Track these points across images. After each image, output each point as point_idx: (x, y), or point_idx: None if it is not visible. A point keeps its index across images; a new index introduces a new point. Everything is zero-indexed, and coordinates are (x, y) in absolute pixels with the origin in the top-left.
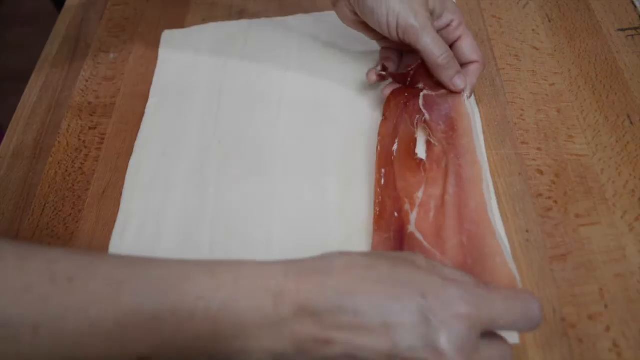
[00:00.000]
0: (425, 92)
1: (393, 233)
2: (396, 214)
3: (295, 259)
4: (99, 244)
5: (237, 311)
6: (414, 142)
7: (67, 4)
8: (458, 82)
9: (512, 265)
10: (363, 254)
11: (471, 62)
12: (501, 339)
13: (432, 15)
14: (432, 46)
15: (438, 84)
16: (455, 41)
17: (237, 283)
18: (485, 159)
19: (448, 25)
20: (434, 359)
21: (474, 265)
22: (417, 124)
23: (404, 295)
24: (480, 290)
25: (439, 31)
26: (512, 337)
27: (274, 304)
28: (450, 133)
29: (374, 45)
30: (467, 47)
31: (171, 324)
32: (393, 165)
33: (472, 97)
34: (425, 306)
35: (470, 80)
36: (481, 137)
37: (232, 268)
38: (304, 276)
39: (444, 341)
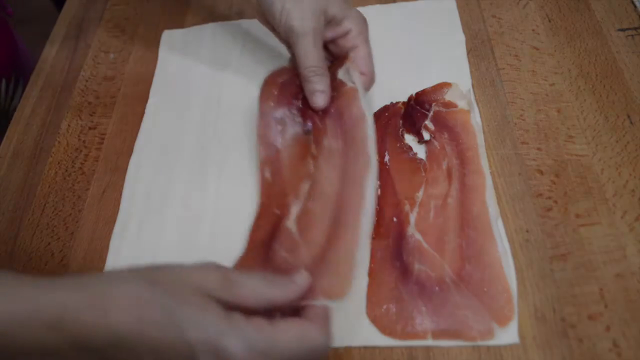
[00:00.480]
0: (435, 108)
1: (392, 239)
2: (395, 219)
3: (84, 281)
4: (99, 244)
5: (15, 341)
6: (406, 147)
7: (67, 4)
8: (315, 100)
9: (511, 276)
10: (149, 282)
11: (360, 74)
12: None
13: (331, 22)
14: (302, 55)
15: (450, 103)
16: (350, 50)
17: (14, 313)
18: (488, 168)
19: (346, 33)
20: None
21: (472, 272)
22: (402, 134)
23: (177, 339)
24: (261, 338)
25: (336, 39)
26: (512, 337)
27: (51, 336)
28: (455, 144)
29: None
30: (360, 57)
31: None
32: (389, 172)
33: (473, 98)
34: (198, 350)
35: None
36: (481, 137)
37: (14, 293)
38: (82, 310)
39: None
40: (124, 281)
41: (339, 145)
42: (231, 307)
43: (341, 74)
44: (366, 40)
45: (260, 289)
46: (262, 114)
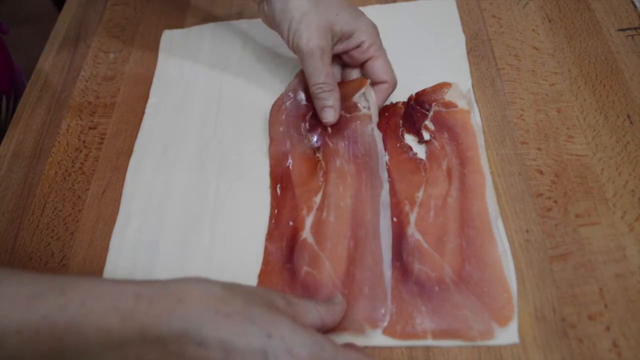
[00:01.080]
0: (435, 108)
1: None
2: (395, 219)
3: (151, 280)
4: (99, 244)
5: (82, 331)
6: (406, 147)
7: (67, 4)
8: (325, 115)
9: (511, 276)
10: (222, 285)
11: (381, 82)
12: None
13: (341, 37)
14: (311, 73)
15: (450, 103)
16: (366, 61)
17: (84, 303)
18: (488, 168)
19: (358, 46)
20: None
21: (472, 272)
22: (402, 134)
23: (249, 333)
24: (327, 346)
25: (348, 51)
26: (512, 337)
27: (121, 325)
28: (455, 144)
29: None
30: (378, 67)
31: (16, 342)
32: (389, 172)
33: (473, 98)
34: (269, 346)
35: (379, 98)
36: (481, 137)
37: (84, 286)
38: (155, 300)
39: None
40: (198, 281)
41: (352, 169)
42: None
43: (357, 97)
44: (380, 49)
45: (314, 310)
46: (272, 139)
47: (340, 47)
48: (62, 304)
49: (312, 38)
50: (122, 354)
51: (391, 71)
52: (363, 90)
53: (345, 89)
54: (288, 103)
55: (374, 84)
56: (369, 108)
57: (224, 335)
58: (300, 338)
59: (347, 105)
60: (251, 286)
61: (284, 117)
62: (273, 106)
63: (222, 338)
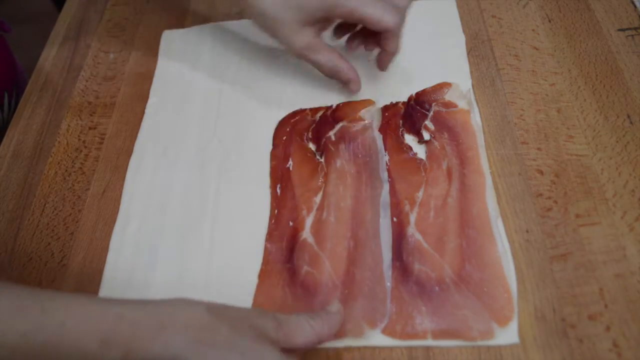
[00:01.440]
0: (435, 108)
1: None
2: (395, 219)
3: (136, 301)
4: (99, 244)
5: (59, 352)
6: (406, 147)
7: (67, 4)
8: (351, 88)
9: (511, 276)
10: (208, 309)
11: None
12: None
13: (325, 21)
14: (317, 67)
15: (450, 103)
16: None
17: (64, 323)
18: (488, 168)
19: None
20: None
21: (472, 272)
22: (402, 134)
23: None
24: None
25: (341, 24)
26: (512, 337)
27: (98, 348)
28: (454, 144)
29: None
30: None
31: None
32: (389, 172)
33: (473, 98)
34: None
35: (390, 47)
36: (481, 137)
37: (66, 305)
38: (138, 323)
39: None
40: (184, 304)
41: (352, 169)
42: (285, 351)
43: (362, 113)
44: (365, 5)
45: (307, 326)
46: (275, 145)
47: (330, 20)
48: (41, 323)
49: (296, 40)
50: None
51: (390, 13)
52: (371, 107)
53: (353, 106)
54: (294, 120)
55: (379, 34)
56: (371, 118)
57: None
58: None
59: (352, 119)
60: (241, 309)
61: (288, 129)
62: (281, 120)
63: None
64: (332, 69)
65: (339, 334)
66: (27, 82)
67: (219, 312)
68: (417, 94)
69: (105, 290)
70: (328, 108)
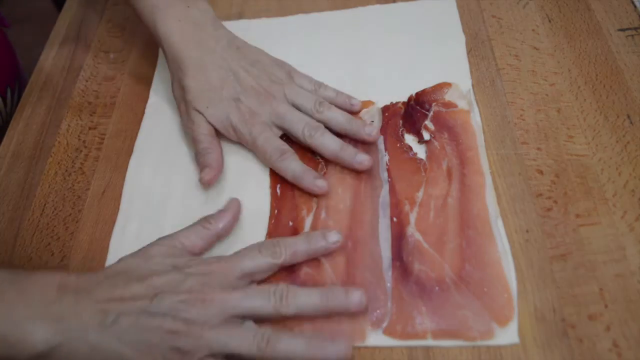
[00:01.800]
0: (435, 108)
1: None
2: (395, 219)
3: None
4: (99, 244)
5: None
6: (406, 147)
7: (67, 4)
8: (202, 175)
9: (511, 276)
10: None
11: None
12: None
13: None
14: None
15: (450, 103)
16: None
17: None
18: (488, 168)
19: None
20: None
21: (472, 272)
22: (402, 134)
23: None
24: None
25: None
26: (511, 337)
27: (58, 295)
28: (454, 144)
29: (371, 45)
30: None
31: None
32: (389, 172)
33: (473, 98)
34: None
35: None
36: (481, 137)
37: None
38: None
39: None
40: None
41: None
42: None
43: (363, 114)
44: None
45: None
46: None
47: None
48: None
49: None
50: (56, 317)
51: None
52: (369, 109)
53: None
54: None
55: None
56: (372, 121)
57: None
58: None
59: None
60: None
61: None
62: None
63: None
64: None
65: (341, 329)
66: (28, 79)
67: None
68: (417, 94)
69: None
70: None
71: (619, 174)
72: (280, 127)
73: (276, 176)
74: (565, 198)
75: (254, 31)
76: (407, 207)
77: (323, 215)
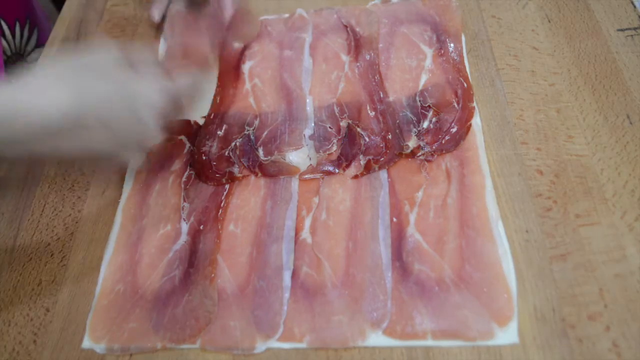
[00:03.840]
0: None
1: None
2: (395, 219)
3: (21, 81)
4: (99, 244)
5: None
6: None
7: (67, 4)
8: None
9: (511, 276)
10: (74, 60)
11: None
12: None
13: None
14: None
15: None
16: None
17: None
18: (488, 168)
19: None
20: (148, 137)
21: (472, 272)
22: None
23: (119, 110)
24: (170, 86)
25: None
26: (511, 337)
27: (8, 130)
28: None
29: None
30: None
31: None
32: (389, 173)
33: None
34: (133, 109)
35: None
36: (481, 138)
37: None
38: (33, 103)
39: (148, 129)
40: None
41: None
42: None
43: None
44: None
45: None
46: None
47: None
48: None
49: None
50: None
51: None
52: None
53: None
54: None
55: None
56: None
57: (97, 114)
58: (152, 93)
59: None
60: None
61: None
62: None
63: (97, 116)
64: None
65: (341, 329)
66: (42, 14)
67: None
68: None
69: (104, 291)
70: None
71: (619, 174)
72: None
73: None
74: (565, 198)
75: None
76: (406, 208)
77: (323, 215)
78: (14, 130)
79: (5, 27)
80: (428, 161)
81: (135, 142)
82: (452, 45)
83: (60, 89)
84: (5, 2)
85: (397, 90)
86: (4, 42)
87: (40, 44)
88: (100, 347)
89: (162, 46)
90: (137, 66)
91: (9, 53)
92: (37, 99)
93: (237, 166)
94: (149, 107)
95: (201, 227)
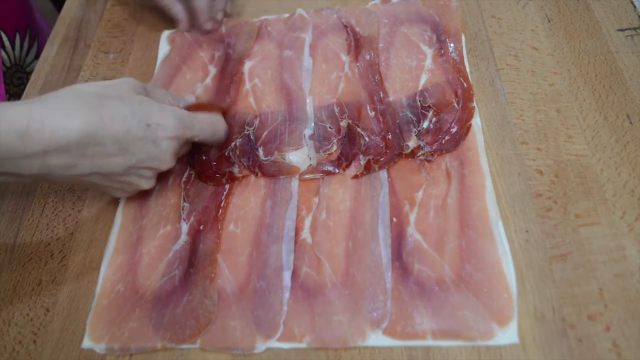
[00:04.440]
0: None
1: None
2: (395, 219)
3: (39, 98)
4: (99, 245)
5: None
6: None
7: (67, 4)
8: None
9: (511, 276)
10: (92, 87)
11: None
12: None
13: None
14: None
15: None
16: None
17: None
18: (488, 168)
19: None
20: (157, 164)
21: (472, 272)
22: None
23: (134, 127)
24: (186, 114)
25: None
26: (511, 337)
27: (22, 143)
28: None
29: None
30: None
31: None
32: (389, 173)
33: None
34: (149, 132)
35: None
36: (481, 138)
37: None
38: (47, 116)
39: (163, 153)
40: (71, 92)
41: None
42: None
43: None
44: None
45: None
46: None
47: None
48: None
49: None
50: (26, 163)
51: None
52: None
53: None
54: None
55: None
56: None
57: (114, 134)
58: (167, 118)
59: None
60: (114, 84)
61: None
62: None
63: (113, 136)
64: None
65: (342, 329)
66: (43, 24)
67: (104, 87)
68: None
69: (104, 291)
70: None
71: (619, 174)
72: None
73: None
74: (565, 198)
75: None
76: (407, 208)
77: (323, 215)
78: (27, 143)
79: (5, 38)
80: (428, 161)
81: (148, 166)
82: (452, 45)
83: (77, 106)
84: (5, 13)
85: (397, 90)
86: (3, 54)
87: (40, 55)
88: (100, 347)
89: (162, 47)
90: (156, 95)
91: (8, 64)
92: (53, 112)
93: (237, 166)
94: (165, 131)
95: (201, 227)
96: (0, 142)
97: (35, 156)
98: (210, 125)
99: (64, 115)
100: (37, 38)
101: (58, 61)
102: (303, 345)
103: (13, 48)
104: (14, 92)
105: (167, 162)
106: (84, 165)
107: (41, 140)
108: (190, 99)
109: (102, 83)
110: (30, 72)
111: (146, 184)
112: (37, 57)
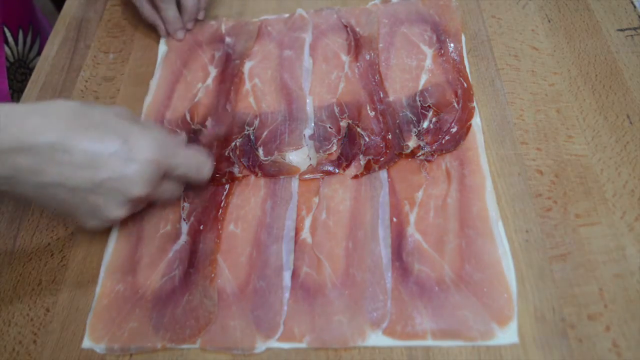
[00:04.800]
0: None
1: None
2: (395, 219)
3: (18, 104)
4: (99, 245)
5: None
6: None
7: (67, 4)
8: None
9: (511, 276)
10: (80, 103)
11: None
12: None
13: None
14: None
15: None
16: None
17: None
18: (488, 168)
19: None
20: (127, 187)
21: (472, 272)
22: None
23: (108, 140)
24: (170, 142)
25: None
26: (511, 337)
27: None
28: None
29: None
30: None
31: None
32: (389, 173)
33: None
34: (124, 149)
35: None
36: (481, 138)
37: None
38: (24, 117)
39: (134, 175)
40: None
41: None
42: None
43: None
44: None
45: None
46: None
47: None
48: None
49: None
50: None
51: None
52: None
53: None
54: None
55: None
56: None
57: (86, 145)
58: (150, 141)
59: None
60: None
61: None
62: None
63: (84, 147)
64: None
65: (342, 329)
66: (45, 22)
67: (87, 103)
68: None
69: (104, 291)
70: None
71: (619, 174)
72: None
73: None
74: (565, 198)
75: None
76: (407, 208)
77: (323, 215)
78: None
79: (8, 34)
80: (428, 161)
81: (116, 187)
82: (452, 45)
83: (56, 111)
84: (8, 9)
85: (397, 90)
86: (7, 49)
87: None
88: (100, 347)
89: (161, 47)
90: (146, 125)
91: (11, 60)
92: (32, 110)
93: (237, 166)
94: (141, 152)
95: (201, 227)
96: None
97: (6, 152)
98: (195, 160)
99: (41, 116)
100: (39, 35)
101: (58, 61)
102: (303, 345)
103: (16, 44)
104: (17, 88)
105: (138, 186)
106: (51, 173)
107: (12, 135)
108: (183, 137)
109: (94, 104)
110: (33, 68)
111: (116, 211)
112: (39, 53)
